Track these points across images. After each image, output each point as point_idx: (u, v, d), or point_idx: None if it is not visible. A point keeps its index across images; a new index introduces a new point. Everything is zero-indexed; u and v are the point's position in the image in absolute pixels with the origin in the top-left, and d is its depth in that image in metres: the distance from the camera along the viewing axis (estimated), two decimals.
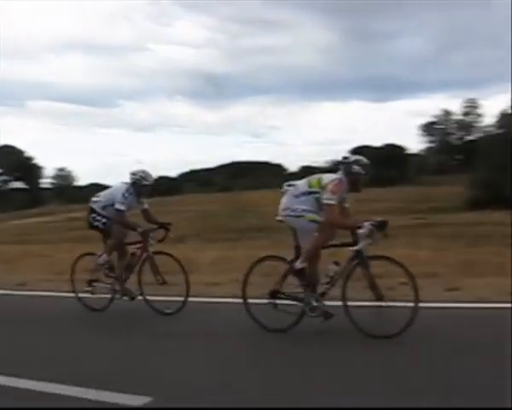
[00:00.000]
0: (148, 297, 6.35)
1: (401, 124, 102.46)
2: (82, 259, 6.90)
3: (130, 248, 6.65)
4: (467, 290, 6.54)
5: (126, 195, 6.37)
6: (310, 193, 5.26)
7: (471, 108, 32.26)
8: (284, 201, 5.37)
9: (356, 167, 5.22)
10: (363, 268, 5.06)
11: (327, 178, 5.26)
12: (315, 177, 5.38)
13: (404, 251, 9.05)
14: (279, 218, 5.45)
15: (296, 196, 5.30)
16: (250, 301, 5.56)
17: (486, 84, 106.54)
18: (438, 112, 39.12)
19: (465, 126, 35.35)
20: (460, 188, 22.74)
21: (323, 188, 5.14)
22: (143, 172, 6.54)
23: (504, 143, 23.17)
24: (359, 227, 4.99)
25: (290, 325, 5.28)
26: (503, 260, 7.82)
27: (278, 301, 5.42)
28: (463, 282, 6.86)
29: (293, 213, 5.26)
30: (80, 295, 6.77)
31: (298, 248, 5.34)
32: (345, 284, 5.11)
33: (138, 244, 6.46)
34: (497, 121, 25.62)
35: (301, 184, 5.38)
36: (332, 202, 5.05)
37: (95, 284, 6.68)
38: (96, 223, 6.57)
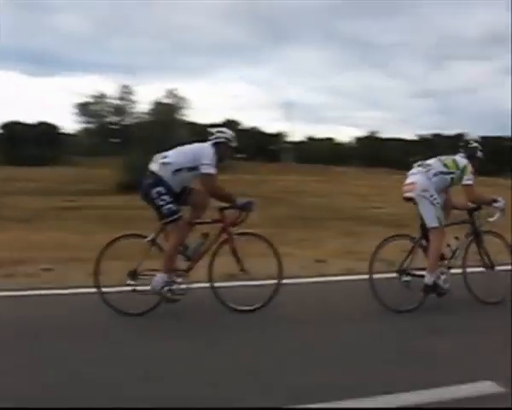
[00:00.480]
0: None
1: (56, 101, 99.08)
2: (117, 242, 5.14)
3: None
4: None
5: (215, 157, 5.15)
6: (447, 173, 5.61)
7: (126, 93, 33.02)
8: (419, 181, 5.53)
9: (480, 153, 5.89)
10: (479, 241, 5.83)
11: (461, 160, 5.70)
12: (447, 158, 5.74)
13: (55, 234, 8.43)
14: (411, 195, 5.56)
15: (435, 175, 5.56)
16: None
17: (142, 72, 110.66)
18: (94, 93, 38.81)
19: (120, 111, 36.06)
20: (113, 171, 22.83)
21: (462, 170, 5.60)
22: (229, 130, 5.46)
23: (156, 129, 24.19)
24: (495, 201, 5.72)
25: (415, 304, 5.43)
26: None
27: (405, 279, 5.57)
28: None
29: (430, 199, 5.44)
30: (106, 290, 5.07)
31: (424, 227, 5.58)
32: (465, 255, 5.79)
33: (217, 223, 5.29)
34: (151, 109, 26.65)
35: (435, 163, 5.66)
36: (472, 183, 5.60)
37: (143, 276, 5.08)
38: (160, 202, 4.96)
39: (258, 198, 17.67)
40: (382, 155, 77.09)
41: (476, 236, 5.85)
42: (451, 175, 5.65)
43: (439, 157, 5.81)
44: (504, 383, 3.52)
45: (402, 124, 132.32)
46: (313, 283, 6.41)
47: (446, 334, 4.65)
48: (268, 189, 23.38)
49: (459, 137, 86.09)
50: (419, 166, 5.75)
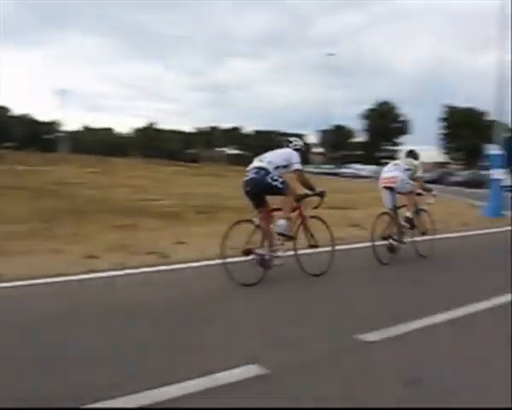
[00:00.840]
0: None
1: None
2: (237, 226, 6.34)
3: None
4: None
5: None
6: (409, 170, 8.44)
7: None
8: (399, 175, 8.29)
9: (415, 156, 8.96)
10: (418, 215, 8.59)
11: (415, 162, 8.62)
12: (407, 160, 8.65)
13: None
14: (393, 186, 8.24)
15: (405, 170, 8.39)
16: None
17: None
18: None
19: None
20: None
21: (416, 167, 8.52)
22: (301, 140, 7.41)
23: None
24: (431, 190, 8.79)
25: (396, 257, 8.05)
26: None
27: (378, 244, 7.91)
28: None
29: (406, 182, 8.32)
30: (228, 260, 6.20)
31: (395, 207, 8.29)
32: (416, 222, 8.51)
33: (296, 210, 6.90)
34: None
35: (402, 163, 8.59)
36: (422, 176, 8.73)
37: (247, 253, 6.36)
38: (274, 183, 6.56)
39: (26, 191, 16.54)
40: (161, 146, 77.85)
41: (416, 212, 8.61)
42: (411, 171, 8.52)
43: (402, 159, 8.84)
44: (266, 365, 3.72)
45: (181, 116, 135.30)
46: (83, 280, 6.11)
47: (213, 322, 4.78)
48: (39, 180, 21.93)
49: (235, 130, 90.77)
50: (393, 164, 8.67)
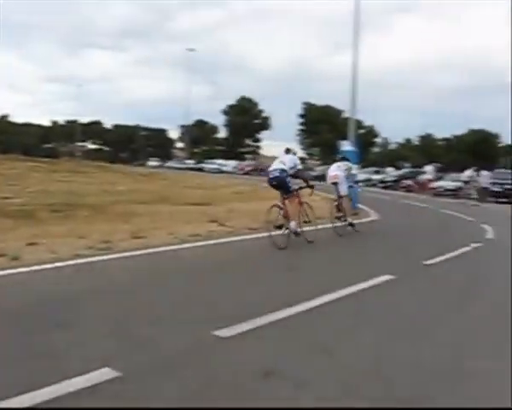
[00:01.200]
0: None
1: None
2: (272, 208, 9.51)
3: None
4: None
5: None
6: (346, 170, 12.24)
7: None
8: (340, 174, 12.08)
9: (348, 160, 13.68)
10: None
11: (350, 163, 12.76)
12: (344, 162, 12.52)
13: None
14: (336, 181, 12.01)
15: (344, 170, 12.20)
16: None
17: None
18: None
19: None
20: None
21: (350, 168, 12.62)
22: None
23: None
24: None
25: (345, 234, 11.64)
26: None
27: (337, 224, 11.74)
28: None
29: (344, 181, 12.02)
30: (272, 234, 9.21)
31: (340, 196, 11.95)
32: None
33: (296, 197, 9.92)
34: None
35: (341, 164, 12.39)
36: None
37: (280, 228, 9.39)
38: (289, 184, 9.52)
39: None
40: (15, 140, 73.29)
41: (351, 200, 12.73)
42: (348, 171, 12.26)
43: (343, 162, 12.45)
44: (119, 367, 3.69)
45: (37, 108, 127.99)
46: None
47: (65, 325, 4.65)
48: None
49: (95, 124, 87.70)
50: (337, 166, 12.27)
